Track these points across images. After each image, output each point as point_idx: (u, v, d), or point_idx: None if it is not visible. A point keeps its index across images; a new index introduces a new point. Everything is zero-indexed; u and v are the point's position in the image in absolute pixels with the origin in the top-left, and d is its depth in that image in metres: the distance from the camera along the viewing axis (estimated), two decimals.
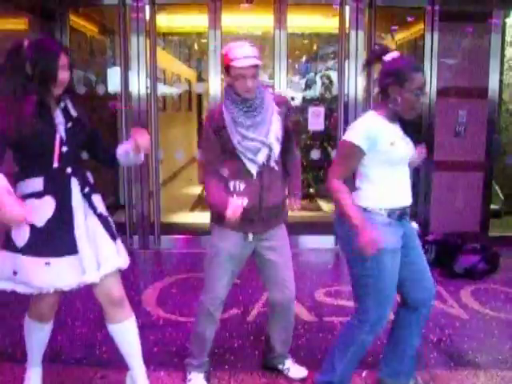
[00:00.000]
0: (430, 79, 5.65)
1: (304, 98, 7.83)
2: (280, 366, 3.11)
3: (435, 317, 3.89)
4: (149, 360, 3.17)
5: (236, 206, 2.55)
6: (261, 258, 2.87)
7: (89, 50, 7.04)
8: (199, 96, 11.73)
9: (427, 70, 5.65)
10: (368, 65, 2.90)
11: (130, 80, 5.65)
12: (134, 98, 5.69)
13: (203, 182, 2.78)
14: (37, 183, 2.41)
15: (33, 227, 2.37)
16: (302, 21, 6.82)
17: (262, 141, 2.65)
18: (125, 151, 2.64)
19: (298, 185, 3.06)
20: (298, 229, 6.07)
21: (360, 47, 5.62)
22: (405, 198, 2.64)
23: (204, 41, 8.51)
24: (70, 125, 2.46)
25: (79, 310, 3.96)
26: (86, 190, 2.52)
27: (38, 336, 2.76)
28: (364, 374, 3.08)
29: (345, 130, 5.67)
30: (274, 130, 2.69)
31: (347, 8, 5.57)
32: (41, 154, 2.41)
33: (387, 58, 2.56)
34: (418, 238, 2.78)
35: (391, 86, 2.51)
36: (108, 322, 2.70)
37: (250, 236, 2.76)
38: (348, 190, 2.55)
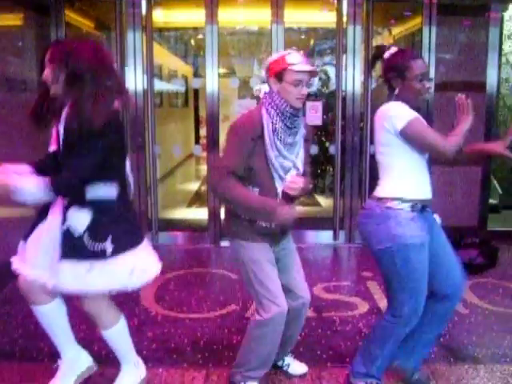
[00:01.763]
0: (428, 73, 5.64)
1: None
2: (280, 363, 3.07)
3: None
4: (147, 357, 3.16)
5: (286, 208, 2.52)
6: (278, 262, 2.81)
7: None
8: (196, 92, 11.70)
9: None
10: (372, 67, 2.93)
11: (126, 76, 5.62)
12: (131, 94, 5.65)
13: (219, 189, 2.55)
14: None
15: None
16: (299, 15, 6.79)
17: (293, 161, 2.61)
18: None
19: None
20: (296, 224, 6.07)
21: (357, 42, 5.60)
22: (427, 190, 2.65)
23: (201, 36, 8.49)
24: (61, 128, 2.45)
25: (77, 306, 3.93)
26: (66, 201, 2.47)
27: (45, 320, 2.76)
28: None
29: (342, 125, 5.69)
30: (301, 151, 2.68)
31: (344, 2, 5.55)
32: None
33: (386, 55, 2.64)
34: (442, 231, 2.76)
35: (394, 79, 2.58)
36: None
37: (274, 247, 2.76)
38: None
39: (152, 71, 5.65)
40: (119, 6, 5.50)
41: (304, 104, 2.66)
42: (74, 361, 2.84)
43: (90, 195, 2.44)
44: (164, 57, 9.43)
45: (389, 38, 7.58)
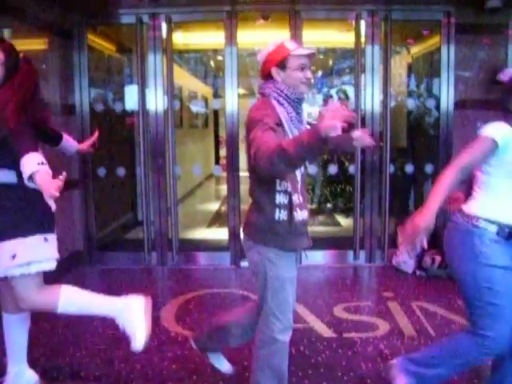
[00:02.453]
0: (447, 92, 5.63)
1: (321, 114, 7.82)
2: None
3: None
4: (168, 377, 3.16)
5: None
6: None
7: (106, 67, 7.13)
8: (215, 112, 11.79)
9: (444, 82, 5.63)
10: (489, 91, 2.80)
11: (147, 97, 5.70)
12: (152, 115, 5.73)
13: (273, 161, 2.14)
14: None
15: None
16: (317, 36, 6.83)
17: None
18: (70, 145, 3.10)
19: None
20: (316, 244, 6.04)
21: (376, 61, 5.62)
22: None
23: (220, 57, 8.57)
24: None
25: (97, 326, 3.96)
26: None
27: (5, 330, 2.88)
28: None
29: None
30: None
31: (363, 22, 5.58)
32: None
33: (502, 76, 2.56)
34: None
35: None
36: None
37: (304, 255, 2.70)
38: (457, 183, 2.43)
39: (172, 92, 5.72)
40: (140, 30, 5.59)
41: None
42: (19, 376, 2.92)
43: None
44: (184, 78, 9.53)
45: (407, 57, 7.61)
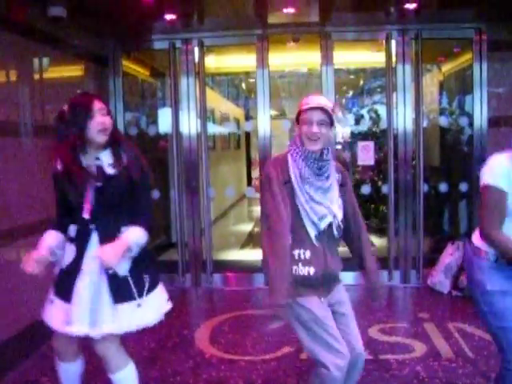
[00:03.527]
0: (481, 109, 5.58)
1: (353, 133, 7.83)
2: None
3: (497, 354, 3.75)
4: None
5: None
6: (335, 314, 2.68)
7: (140, 92, 7.26)
8: (247, 134, 11.89)
9: (477, 99, 5.58)
10: None
11: (180, 120, 5.79)
12: (185, 138, 5.81)
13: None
14: (72, 230, 2.61)
15: (61, 266, 2.64)
16: (347, 56, 6.87)
17: (327, 207, 2.52)
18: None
19: (374, 262, 2.80)
20: (349, 264, 6.00)
21: (407, 80, 5.61)
22: None
23: (252, 80, 8.67)
24: (99, 184, 2.54)
25: (131, 347, 3.99)
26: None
27: (63, 374, 2.82)
28: None
29: (395, 163, 5.66)
30: (337, 197, 2.59)
31: (393, 42, 5.59)
32: (71, 207, 2.58)
33: None
34: None
35: None
36: None
37: (323, 300, 2.62)
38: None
39: (205, 115, 5.80)
40: (173, 54, 5.71)
41: (328, 148, 2.58)
42: None
43: None
44: (216, 101, 9.64)
45: (439, 74, 7.57)
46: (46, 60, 4.51)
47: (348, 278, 5.70)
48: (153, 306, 2.64)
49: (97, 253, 2.45)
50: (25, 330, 3.92)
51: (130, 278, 2.57)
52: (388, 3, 4.99)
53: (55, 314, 2.59)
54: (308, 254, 2.54)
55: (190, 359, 3.86)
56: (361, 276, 5.75)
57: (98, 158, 2.57)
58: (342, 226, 2.60)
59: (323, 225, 2.52)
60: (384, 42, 5.65)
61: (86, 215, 2.54)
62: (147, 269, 2.67)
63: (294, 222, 2.50)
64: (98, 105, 2.53)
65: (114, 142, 2.61)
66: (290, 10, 5.01)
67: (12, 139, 3.96)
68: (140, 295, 2.59)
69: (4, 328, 3.72)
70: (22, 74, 4.15)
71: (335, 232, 2.58)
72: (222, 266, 6.20)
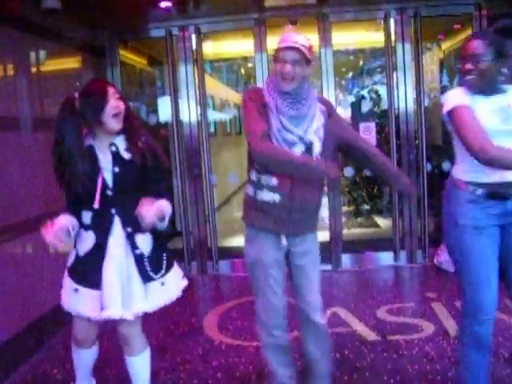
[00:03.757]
0: None
1: (353, 115, 7.78)
2: None
3: (506, 331, 3.76)
4: None
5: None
6: (291, 263, 2.72)
7: (139, 81, 7.23)
8: None
9: None
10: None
11: (180, 108, 5.76)
12: (185, 125, 5.79)
13: (263, 150, 2.44)
14: (86, 217, 2.62)
15: (77, 254, 2.66)
16: (346, 37, 6.81)
17: (299, 135, 2.52)
18: None
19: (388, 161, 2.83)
20: (356, 246, 6.01)
21: (407, 59, 5.55)
22: (503, 175, 2.44)
23: (250, 65, 8.61)
24: (117, 169, 2.57)
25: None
26: (129, 229, 2.61)
27: (80, 360, 2.91)
28: None
29: (397, 144, 5.62)
30: (315, 127, 2.56)
31: (392, 21, 5.53)
32: (87, 194, 2.56)
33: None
34: None
35: None
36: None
37: (284, 239, 2.62)
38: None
39: (204, 102, 5.77)
40: (170, 42, 5.67)
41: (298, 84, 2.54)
42: None
43: None
44: (215, 87, 9.60)
45: (439, 52, 7.50)
46: (42, 53, 4.48)
47: (357, 259, 5.72)
48: (173, 283, 2.75)
49: (139, 210, 2.47)
50: (31, 325, 3.94)
51: (153, 257, 2.68)
52: None
53: (84, 302, 2.61)
54: (275, 180, 2.54)
55: (199, 347, 3.88)
56: (368, 257, 5.77)
57: (112, 144, 2.60)
58: (321, 157, 2.56)
59: (295, 152, 2.51)
60: (382, 21, 5.60)
61: (96, 205, 2.55)
62: (165, 248, 2.80)
63: None
64: (111, 89, 2.56)
65: (129, 127, 2.63)
66: None
67: (11, 133, 3.94)
68: (163, 274, 2.70)
69: (10, 324, 3.73)
70: (19, 68, 4.12)
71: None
72: (228, 253, 6.20)
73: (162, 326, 4.23)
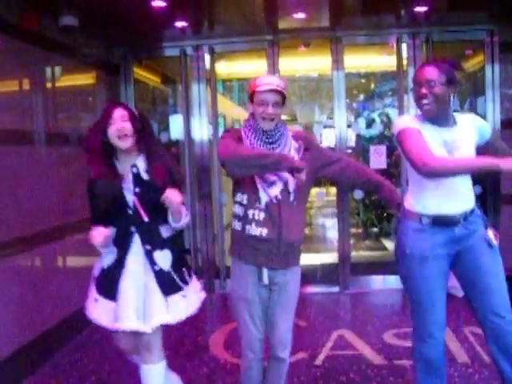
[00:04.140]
0: (493, 111, 5.55)
1: (364, 137, 7.82)
2: None
3: None
4: None
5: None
6: (270, 298, 2.78)
7: (151, 99, 7.29)
8: None
9: (489, 101, 5.55)
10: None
11: (192, 126, 5.80)
12: (197, 144, 5.83)
13: (231, 159, 2.56)
14: (113, 232, 2.72)
15: (102, 266, 2.80)
16: (358, 60, 6.86)
17: (278, 174, 2.61)
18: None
19: (377, 177, 2.95)
20: (363, 269, 5.99)
21: None
22: (450, 205, 2.56)
23: None
24: (137, 190, 2.70)
25: None
26: (148, 247, 2.72)
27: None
28: None
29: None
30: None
31: (404, 45, 5.58)
32: (111, 212, 2.72)
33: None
34: (487, 247, 2.64)
35: None
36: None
37: (265, 276, 2.69)
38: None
39: (216, 121, 5.82)
40: (184, 61, 5.74)
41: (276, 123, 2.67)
42: None
43: (165, 235, 2.78)
44: (227, 106, 9.66)
45: None
46: (57, 69, 4.55)
47: (364, 282, 5.70)
48: (194, 295, 2.86)
49: (165, 194, 2.58)
50: (36, 339, 3.95)
51: (172, 272, 2.77)
52: (398, 7, 4.98)
53: (102, 313, 2.74)
54: (262, 215, 2.62)
55: (205, 366, 3.86)
56: (375, 280, 5.75)
57: (134, 165, 2.73)
58: (297, 194, 2.66)
59: (273, 192, 2.62)
60: (395, 45, 5.64)
61: (145, 218, 2.69)
62: (184, 262, 2.90)
63: (250, 185, 2.63)
64: (119, 112, 2.70)
65: (146, 148, 2.77)
66: (301, 16, 5.02)
67: (25, 147, 3.99)
68: (183, 287, 2.80)
69: (16, 337, 3.74)
70: (34, 83, 4.18)
71: (291, 199, 2.66)
72: None
73: (168, 344, 4.18)
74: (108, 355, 4.07)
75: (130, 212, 2.69)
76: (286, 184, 2.64)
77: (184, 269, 2.85)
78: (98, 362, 3.99)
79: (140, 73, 6.30)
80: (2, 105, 3.77)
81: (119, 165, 2.75)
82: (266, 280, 2.69)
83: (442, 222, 2.55)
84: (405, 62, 5.60)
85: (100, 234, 2.61)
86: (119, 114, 2.68)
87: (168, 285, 2.74)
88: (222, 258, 5.83)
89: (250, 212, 2.64)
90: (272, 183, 2.62)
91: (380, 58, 6.88)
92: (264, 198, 2.62)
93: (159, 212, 2.69)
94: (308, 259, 5.77)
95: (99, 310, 2.75)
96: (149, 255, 2.72)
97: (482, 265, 2.61)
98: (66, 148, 4.46)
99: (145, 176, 2.72)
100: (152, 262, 2.72)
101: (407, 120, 2.59)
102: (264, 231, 2.61)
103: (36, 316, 3.93)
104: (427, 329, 2.62)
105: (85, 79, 5.13)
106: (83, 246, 4.39)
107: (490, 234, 2.65)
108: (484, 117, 5.67)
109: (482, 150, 2.65)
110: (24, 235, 3.86)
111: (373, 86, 9.50)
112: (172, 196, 2.58)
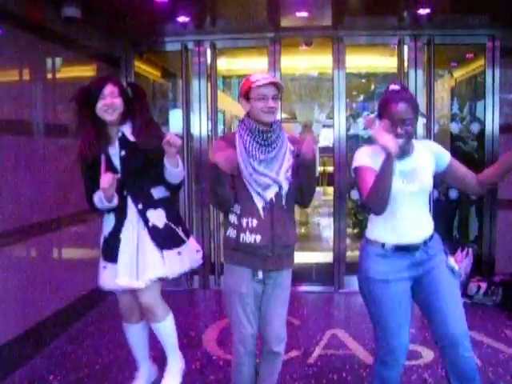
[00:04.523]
0: (492, 115, 5.56)
1: (362, 138, 7.81)
2: None
3: (505, 363, 3.74)
4: None
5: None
6: (264, 294, 2.82)
7: (151, 93, 7.28)
8: None
9: (489, 106, 5.56)
10: None
11: (191, 121, 5.80)
12: (196, 139, 5.82)
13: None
14: (118, 176, 2.86)
15: (104, 236, 2.99)
16: (359, 61, 6.86)
17: (272, 178, 2.64)
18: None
19: None
20: (354, 270, 5.98)
21: (419, 85, 5.59)
22: (410, 234, 2.59)
23: None
24: (123, 153, 2.84)
25: None
26: (140, 206, 2.89)
27: (131, 338, 3.19)
28: None
29: None
30: (285, 168, 2.68)
31: (405, 47, 5.58)
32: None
33: None
34: (447, 272, 2.65)
35: None
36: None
37: (260, 273, 2.72)
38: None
39: (216, 117, 5.81)
40: (185, 56, 5.73)
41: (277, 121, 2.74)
42: (145, 372, 3.27)
43: (157, 195, 2.94)
44: (227, 103, 9.66)
45: (450, 80, 7.54)
46: (58, 60, 4.54)
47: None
48: (189, 255, 3.04)
49: (166, 137, 2.70)
50: (30, 329, 3.95)
51: (167, 229, 2.93)
52: (401, 8, 4.99)
53: (109, 277, 2.91)
54: (255, 222, 2.65)
55: (197, 361, 3.87)
56: None
57: (119, 131, 2.87)
58: (288, 196, 2.71)
59: (268, 195, 2.65)
60: (396, 47, 5.64)
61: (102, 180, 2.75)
62: (178, 222, 3.04)
63: (242, 193, 2.65)
64: (109, 88, 2.82)
65: (134, 115, 2.89)
66: (303, 14, 5.02)
67: (23, 137, 3.98)
68: (178, 244, 2.97)
69: (9, 327, 3.75)
70: (35, 74, 4.17)
71: (283, 202, 2.69)
72: None
73: None
74: (101, 347, 4.08)
75: (119, 176, 2.81)
76: (280, 187, 2.67)
77: (180, 227, 3.00)
78: (91, 354, 3.99)
79: (141, 66, 6.29)
80: (1, 95, 3.76)
81: (108, 133, 2.90)
82: (260, 275, 2.72)
83: (403, 249, 2.58)
84: (406, 63, 5.60)
85: (108, 176, 2.71)
86: (109, 90, 2.81)
87: (163, 240, 2.89)
88: (218, 255, 5.83)
89: (244, 220, 2.66)
90: (267, 187, 2.64)
91: (381, 59, 6.88)
92: (260, 204, 2.65)
93: (150, 175, 2.87)
94: (303, 258, 5.79)
95: (108, 276, 2.91)
96: (142, 214, 2.87)
97: (440, 289, 2.62)
98: (64, 139, 4.45)
99: (131, 138, 2.85)
100: (145, 220, 2.87)
101: (363, 156, 2.59)
102: (258, 238, 2.63)
103: (29, 307, 3.93)
104: (392, 350, 2.63)
105: (86, 71, 5.12)
106: (80, 238, 4.41)
107: (452, 261, 2.68)
108: (483, 121, 5.69)
109: (440, 177, 2.74)
110: (21, 225, 3.86)
111: (373, 86, 9.49)
112: (173, 138, 2.69)
